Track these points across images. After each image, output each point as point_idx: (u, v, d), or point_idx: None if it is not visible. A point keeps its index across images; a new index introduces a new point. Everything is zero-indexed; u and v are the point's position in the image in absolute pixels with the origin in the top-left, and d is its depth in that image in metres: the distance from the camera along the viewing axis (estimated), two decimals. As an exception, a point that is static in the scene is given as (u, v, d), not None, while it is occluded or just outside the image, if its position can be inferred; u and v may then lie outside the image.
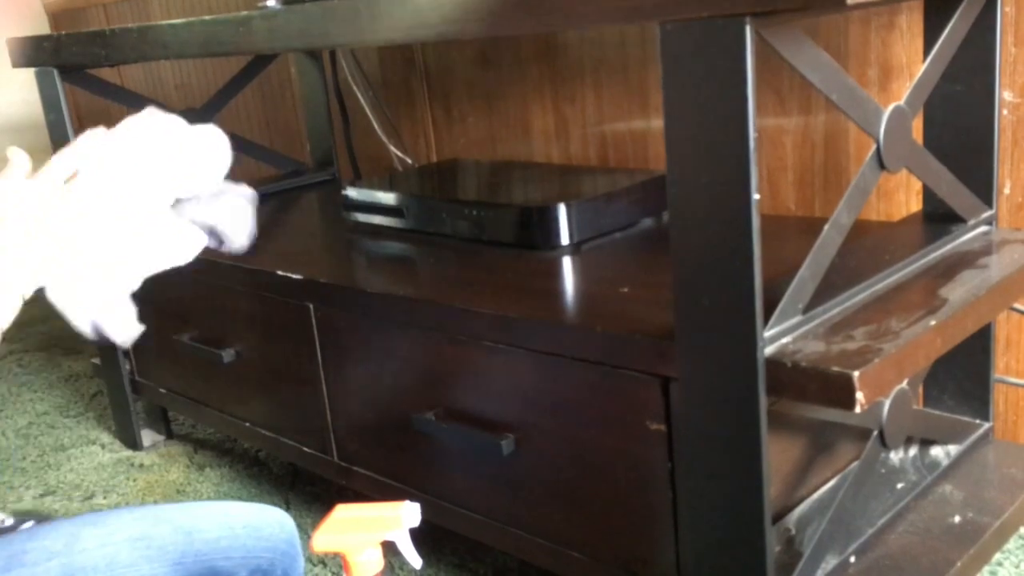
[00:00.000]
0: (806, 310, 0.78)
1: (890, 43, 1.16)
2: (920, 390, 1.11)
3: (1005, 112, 1.09)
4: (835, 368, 0.70)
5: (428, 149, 1.82)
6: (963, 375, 1.07)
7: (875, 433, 0.89)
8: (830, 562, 0.86)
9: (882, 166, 0.83)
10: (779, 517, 0.91)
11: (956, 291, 0.84)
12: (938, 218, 1.01)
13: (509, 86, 1.63)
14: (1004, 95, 1.08)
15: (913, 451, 1.04)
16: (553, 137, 1.59)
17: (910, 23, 1.13)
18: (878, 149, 0.82)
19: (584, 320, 0.90)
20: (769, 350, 0.74)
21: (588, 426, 0.90)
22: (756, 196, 0.71)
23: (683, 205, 0.74)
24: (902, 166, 0.86)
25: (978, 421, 1.07)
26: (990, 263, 0.91)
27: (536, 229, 1.16)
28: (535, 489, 0.98)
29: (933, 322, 0.77)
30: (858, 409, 0.70)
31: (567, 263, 1.11)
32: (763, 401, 0.74)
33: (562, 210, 1.15)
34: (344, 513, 0.73)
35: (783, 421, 0.90)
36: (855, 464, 0.90)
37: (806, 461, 0.95)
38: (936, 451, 1.03)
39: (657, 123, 1.43)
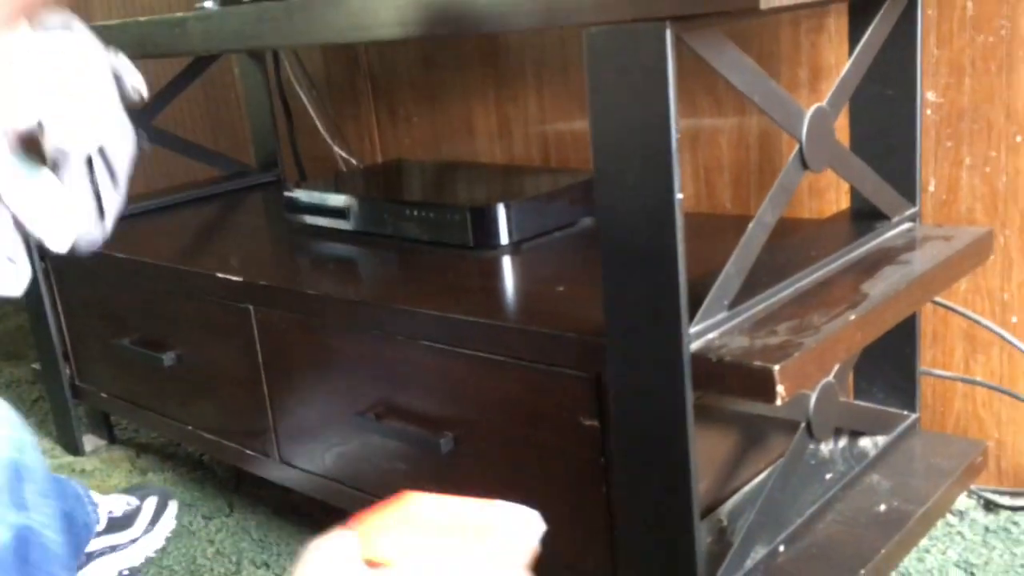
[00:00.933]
0: (732, 306, 0.80)
1: (819, 45, 1.19)
2: (851, 383, 1.14)
3: (929, 112, 1.12)
4: (757, 362, 0.72)
5: (373, 149, 1.82)
6: (891, 368, 1.10)
7: (802, 425, 0.91)
8: (759, 552, 0.88)
9: (805, 166, 0.86)
10: (712, 509, 0.93)
11: (877, 286, 0.87)
12: (864, 215, 1.04)
13: (453, 87, 1.64)
14: (927, 95, 1.11)
15: (843, 442, 1.07)
16: (496, 137, 1.60)
17: (838, 26, 1.16)
18: (801, 149, 0.85)
19: (519, 319, 0.91)
20: (695, 345, 0.76)
21: (525, 423, 0.92)
22: (679, 195, 0.72)
23: (609, 205, 0.75)
24: (825, 166, 0.89)
25: (905, 412, 1.10)
26: (912, 259, 0.94)
27: (476, 229, 1.17)
28: (474, 486, 0.99)
29: (853, 316, 0.80)
30: (779, 402, 0.72)
31: (506, 263, 1.12)
32: (689, 395, 0.76)
33: (501, 210, 1.16)
34: (422, 507, 0.51)
35: (715, 415, 0.92)
36: (786, 455, 0.92)
37: (739, 454, 0.97)
38: (864, 442, 1.06)
39: (598, 123, 1.44)
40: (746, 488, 0.97)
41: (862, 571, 0.86)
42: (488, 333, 0.91)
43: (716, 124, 1.31)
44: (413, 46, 1.68)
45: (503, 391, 0.92)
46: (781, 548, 0.91)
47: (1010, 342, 1.07)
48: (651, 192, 0.73)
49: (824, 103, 0.87)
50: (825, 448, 1.06)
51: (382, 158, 1.81)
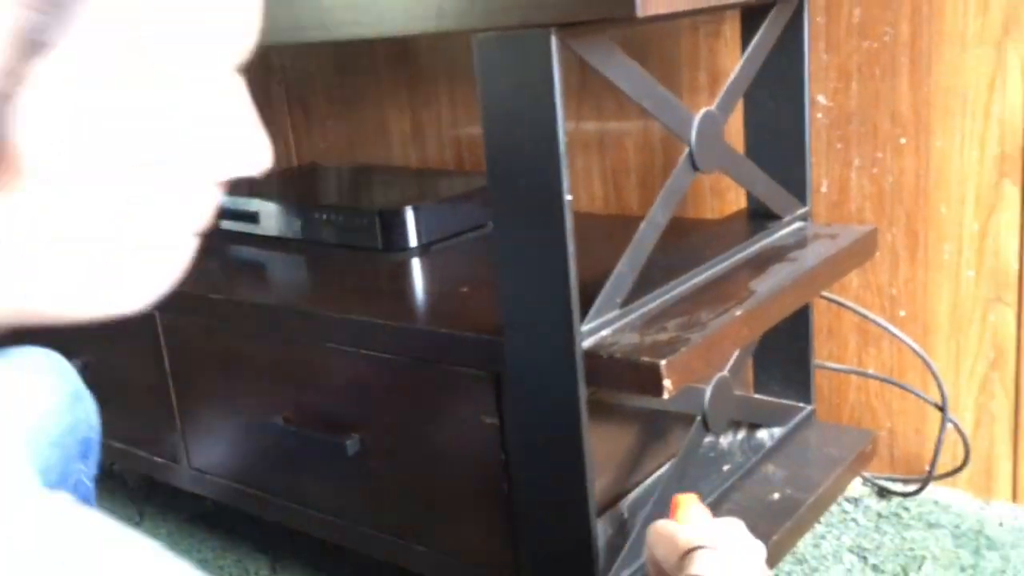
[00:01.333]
0: (624, 304, 0.83)
1: (716, 50, 1.22)
2: (751, 378, 1.18)
3: (820, 115, 1.17)
4: (644, 358, 0.75)
5: (288, 154, 1.81)
6: (787, 362, 1.15)
7: (698, 418, 0.95)
8: (658, 542, 0.91)
9: (695, 168, 0.89)
10: (614, 503, 0.95)
11: (765, 283, 0.90)
12: (758, 215, 1.08)
13: (366, 91, 1.64)
14: (818, 99, 1.16)
15: (741, 435, 1.10)
16: (410, 141, 1.61)
17: (733, 32, 1.20)
18: (690, 152, 0.88)
19: (421, 320, 0.92)
20: (587, 343, 0.78)
21: (429, 423, 0.93)
22: (568, 197, 0.74)
23: (502, 207, 0.77)
24: (715, 167, 0.92)
25: (801, 404, 1.15)
26: (799, 256, 0.97)
27: (384, 232, 1.18)
28: (382, 487, 1.00)
29: (739, 312, 0.83)
30: (666, 395, 0.75)
31: (415, 265, 1.13)
32: (583, 392, 0.78)
33: (409, 213, 1.17)
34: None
35: (615, 411, 0.95)
36: (683, 447, 0.95)
37: (639, 449, 1.00)
38: (762, 434, 1.10)
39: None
40: (647, 482, 1.00)
41: (754, 557, 0.90)
42: (391, 334, 0.92)
43: (622, 127, 1.34)
44: (326, 50, 1.68)
45: (407, 392, 0.94)
46: (679, 538, 0.93)
47: (895, 335, 1.12)
48: (541, 194, 0.75)
49: (713, 107, 0.90)
50: (724, 441, 1.09)
51: (297, 162, 1.80)
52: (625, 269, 0.82)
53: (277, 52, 1.75)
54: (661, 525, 0.67)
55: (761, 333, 0.89)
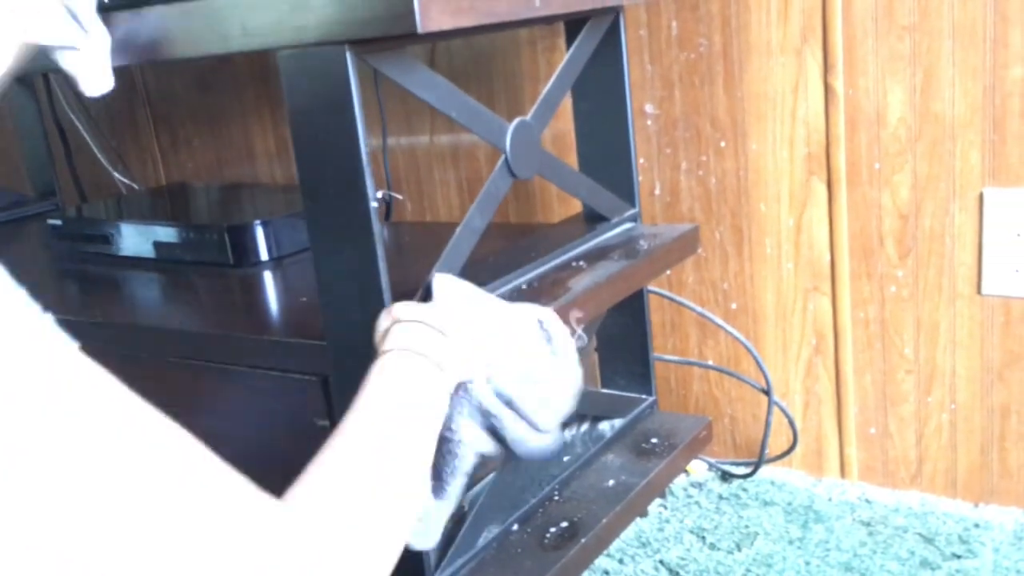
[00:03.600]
0: (442, 305, 0.87)
1: (554, 63, 1.28)
2: (598, 373, 1.24)
3: (649, 123, 1.23)
4: (453, 354, 0.79)
5: (157, 174, 1.81)
6: (629, 356, 1.21)
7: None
8: (492, 531, 0.95)
9: (512, 174, 0.94)
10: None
11: (582, 281, 0.96)
12: (591, 218, 1.14)
13: (230, 109, 1.66)
14: (647, 107, 1.23)
15: (584, 427, 1.16)
16: (275, 158, 1.63)
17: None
18: (506, 159, 0.93)
19: (253, 329, 0.95)
20: (403, 343, 0.82)
21: (268, 429, 0.95)
22: (374, 204, 0.78)
23: (315, 216, 0.81)
24: (534, 173, 0.97)
25: (643, 396, 1.21)
26: (621, 254, 1.03)
27: (234, 247, 1.20)
28: (228, 496, 1.02)
29: (553, 308, 0.88)
30: (474, 388, 0.79)
31: (262, 279, 1.16)
32: (401, 389, 0.82)
33: (259, 228, 1.20)
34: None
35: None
36: (515, 442, 1.00)
37: (482, 444, 1.04)
38: (603, 425, 1.16)
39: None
40: (487, 479, 1.04)
41: (583, 539, 0.95)
42: (225, 344, 0.94)
43: (473, 140, 1.39)
44: (189, 69, 1.69)
45: (244, 400, 0.96)
46: (515, 527, 0.98)
47: (720, 326, 1.19)
48: (348, 204, 0.78)
49: (528, 116, 0.96)
50: (567, 433, 1.14)
51: (166, 182, 1.80)
52: (442, 271, 0.86)
53: (140, 73, 1.75)
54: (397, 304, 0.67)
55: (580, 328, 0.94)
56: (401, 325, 0.64)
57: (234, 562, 0.38)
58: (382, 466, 0.55)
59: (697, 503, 1.22)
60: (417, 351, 0.62)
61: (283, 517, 0.44)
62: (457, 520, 0.96)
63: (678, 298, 1.22)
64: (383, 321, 0.68)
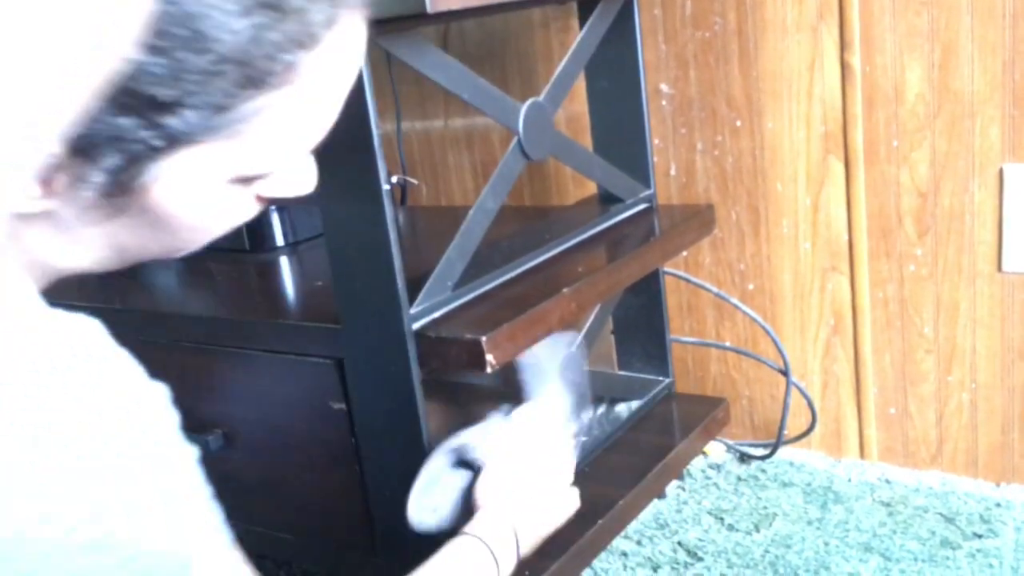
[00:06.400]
0: (456, 287, 0.87)
1: (567, 43, 1.27)
2: (615, 355, 1.23)
3: (664, 103, 1.23)
4: (467, 335, 0.79)
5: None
6: (645, 339, 1.20)
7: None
8: (509, 513, 0.96)
9: (525, 156, 0.93)
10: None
11: (596, 261, 0.95)
12: (606, 200, 1.13)
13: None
14: (661, 87, 1.22)
15: (601, 409, 1.15)
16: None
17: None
18: (519, 140, 0.92)
19: (268, 314, 0.95)
20: (417, 325, 0.82)
21: (284, 413, 0.96)
22: (387, 187, 0.78)
23: (328, 202, 0.81)
24: (547, 155, 0.97)
25: (660, 378, 1.20)
26: (634, 235, 1.03)
27: (251, 233, 1.20)
28: (245, 480, 1.02)
29: (566, 290, 0.88)
30: (489, 370, 0.79)
31: (279, 264, 1.16)
32: (416, 372, 0.82)
33: (274, 214, 1.20)
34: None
35: (467, 392, 0.99)
36: (531, 424, 1.00)
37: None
38: (620, 407, 1.16)
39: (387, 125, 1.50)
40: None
41: (600, 521, 0.95)
42: (242, 329, 0.95)
43: (488, 123, 1.39)
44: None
45: (263, 384, 0.96)
46: (532, 508, 0.98)
47: (737, 306, 1.19)
48: (360, 186, 0.78)
49: (541, 97, 0.95)
50: (585, 416, 1.14)
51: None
52: (454, 254, 0.86)
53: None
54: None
55: (590, 307, 0.94)
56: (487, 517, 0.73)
57: None
58: None
59: (715, 484, 1.22)
60: (488, 546, 0.71)
61: None
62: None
63: (694, 279, 1.22)
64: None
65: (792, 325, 1.23)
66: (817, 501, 1.16)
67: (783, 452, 1.25)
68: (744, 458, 1.27)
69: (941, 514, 1.10)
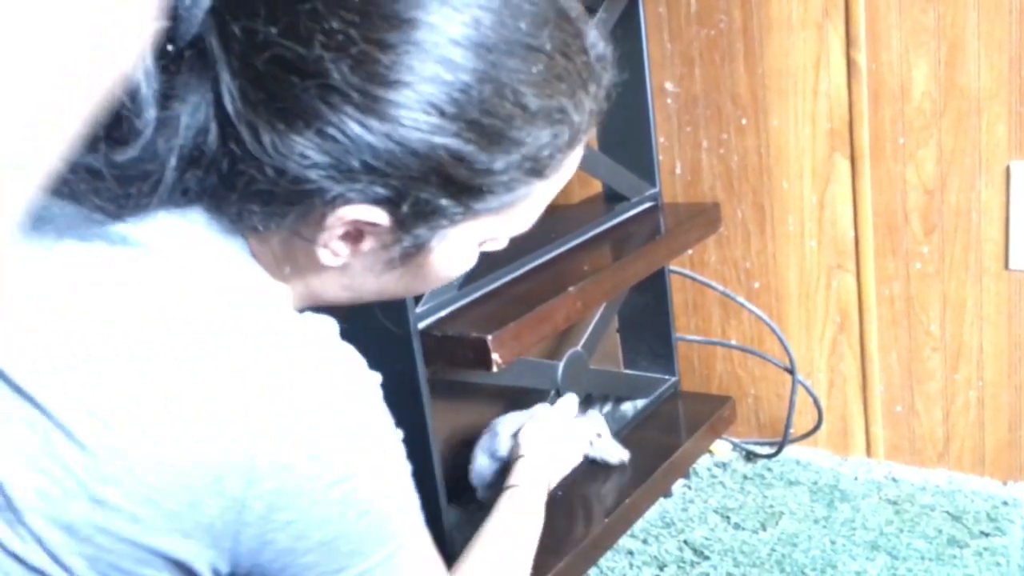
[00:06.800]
0: (462, 285, 0.87)
1: (572, 43, 1.27)
2: (620, 354, 1.23)
3: (669, 101, 1.23)
4: (473, 334, 0.79)
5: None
6: (651, 337, 1.20)
7: (552, 392, 0.99)
8: (515, 512, 0.95)
9: (531, 154, 0.93)
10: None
11: (602, 259, 0.95)
12: (611, 198, 1.13)
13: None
14: (666, 86, 1.22)
15: (607, 408, 1.15)
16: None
17: (584, 25, 1.25)
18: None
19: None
20: (423, 324, 0.82)
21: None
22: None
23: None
24: (552, 153, 0.97)
25: (666, 376, 1.20)
26: (640, 233, 1.03)
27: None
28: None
29: (572, 288, 0.88)
30: (495, 369, 0.79)
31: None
32: (422, 371, 0.82)
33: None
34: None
35: (472, 391, 0.99)
36: (537, 422, 1.00)
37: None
38: (626, 406, 1.15)
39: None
40: (513, 457, 1.04)
41: (606, 519, 0.95)
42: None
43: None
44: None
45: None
46: (538, 507, 0.98)
47: (742, 304, 1.18)
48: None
49: (546, 96, 0.95)
50: (591, 414, 1.14)
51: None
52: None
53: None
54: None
55: (596, 306, 0.94)
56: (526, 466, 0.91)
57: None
58: (514, 563, 0.80)
59: (721, 483, 1.22)
60: (535, 489, 0.89)
61: None
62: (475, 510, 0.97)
63: (700, 277, 1.22)
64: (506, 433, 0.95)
65: (798, 323, 1.22)
66: (824, 499, 1.15)
67: (789, 450, 1.25)
68: (750, 456, 1.26)
69: (948, 512, 1.10)
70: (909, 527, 1.08)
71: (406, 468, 0.57)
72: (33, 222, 0.51)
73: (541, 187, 0.56)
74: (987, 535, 1.05)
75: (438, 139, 0.50)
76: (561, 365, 0.99)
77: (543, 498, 0.88)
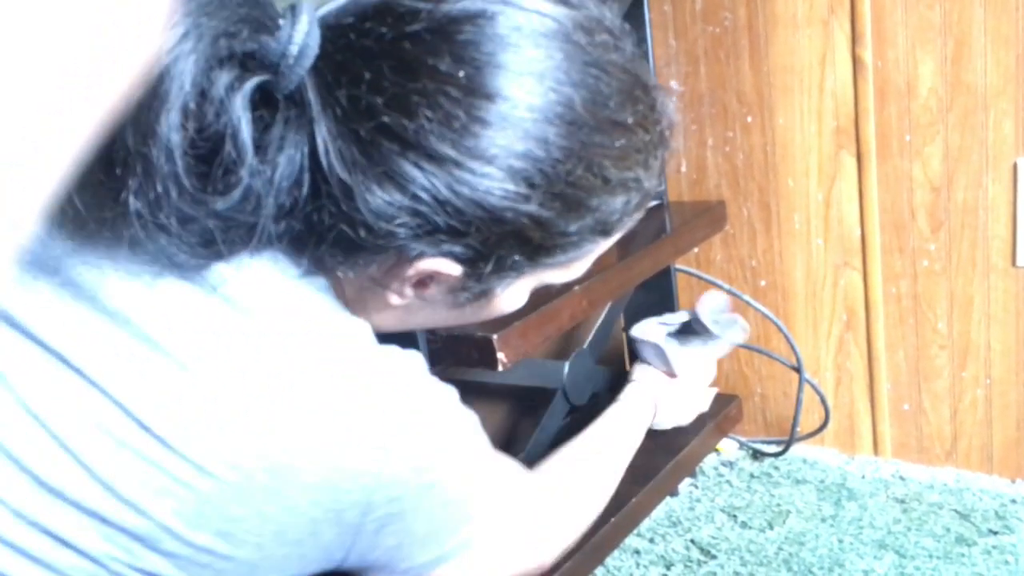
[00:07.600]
0: (468, 285, 0.87)
1: (577, 42, 1.27)
2: (626, 352, 1.23)
3: (674, 99, 1.22)
4: (479, 332, 0.79)
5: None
6: (657, 336, 1.20)
7: (558, 391, 0.99)
8: (522, 511, 0.95)
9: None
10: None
11: (607, 258, 0.95)
12: (616, 197, 1.13)
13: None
14: (671, 84, 1.22)
15: (613, 407, 1.15)
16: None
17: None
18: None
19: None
20: (428, 323, 0.82)
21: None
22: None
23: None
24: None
25: (672, 375, 1.20)
26: (645, 232, 1.03)
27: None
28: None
29: (577, 287, 0.88)
30: (500, 368, 0.79)
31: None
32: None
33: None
34: None
35: (486, 392, 0.99)
36: (543, 418, 1.00)
37: (513, 425, 1.04)
38: (632, 405, 1.15)
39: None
40: (520, 455, 1.04)
41: (613, 518, 0.95)
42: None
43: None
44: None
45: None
46: (544, 506, 0.98)
47: (748, 303, 1.18)
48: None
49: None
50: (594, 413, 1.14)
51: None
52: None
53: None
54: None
55: (601, 306, 0.94)
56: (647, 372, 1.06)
57: (516, 499, 0.66)
58: (603, 472, 0.86)
59: (728, 482, 1.22)
60: (651, 397, 1.03)
61: (534, 481, 0.72)
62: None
63: (706, 276, 1.21)
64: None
65: (805, 321, 1.22)
66: (831, 498, 1.15)
67: (796, 449, 1.25)
68: (757, 455, 1.26)
69: (956, 511, 1.09)
70: (917, 525, 1.07)
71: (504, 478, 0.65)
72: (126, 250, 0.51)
73: (604, 243, 0.61)
74: (995, 533, 1.04)
75: (523, 207, 0.53)
76: (567, 364, 0.99)
77: (643, 427, 0.98)
